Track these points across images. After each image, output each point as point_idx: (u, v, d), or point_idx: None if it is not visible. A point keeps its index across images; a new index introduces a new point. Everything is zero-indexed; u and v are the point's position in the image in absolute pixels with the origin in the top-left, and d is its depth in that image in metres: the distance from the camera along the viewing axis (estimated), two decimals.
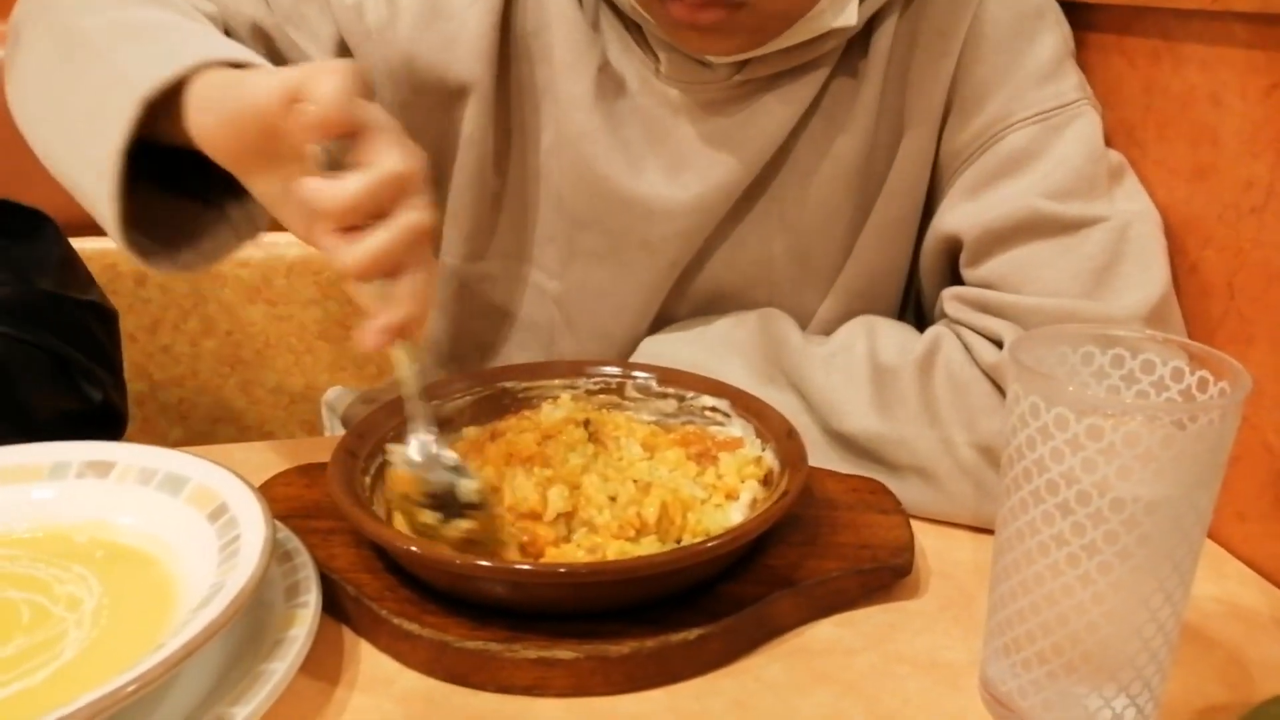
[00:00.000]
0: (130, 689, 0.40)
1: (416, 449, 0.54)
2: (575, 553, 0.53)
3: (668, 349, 0.72)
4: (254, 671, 0.46)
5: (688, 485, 0.58)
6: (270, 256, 1.10)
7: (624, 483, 0.57)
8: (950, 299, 0.68)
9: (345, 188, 0.46)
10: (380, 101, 0.70)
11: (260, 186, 0.51)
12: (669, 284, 0.73)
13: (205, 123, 0.50)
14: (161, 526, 0.54)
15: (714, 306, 0.75)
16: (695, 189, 0.69)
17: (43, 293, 0.74)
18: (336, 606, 0.54)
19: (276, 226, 0.55)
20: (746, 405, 0.64)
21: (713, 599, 0.53)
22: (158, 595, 0.51)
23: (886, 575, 0.57)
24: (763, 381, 0.68)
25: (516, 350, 0.79)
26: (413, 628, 0.51)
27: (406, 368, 0.52)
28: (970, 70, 0.68)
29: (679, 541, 0.56)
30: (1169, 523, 0.43)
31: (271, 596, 0.51)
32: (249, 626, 0.50)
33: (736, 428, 0.64)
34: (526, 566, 0.52)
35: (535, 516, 0.55)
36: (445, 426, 0.65)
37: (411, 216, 0.47)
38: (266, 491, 0.57)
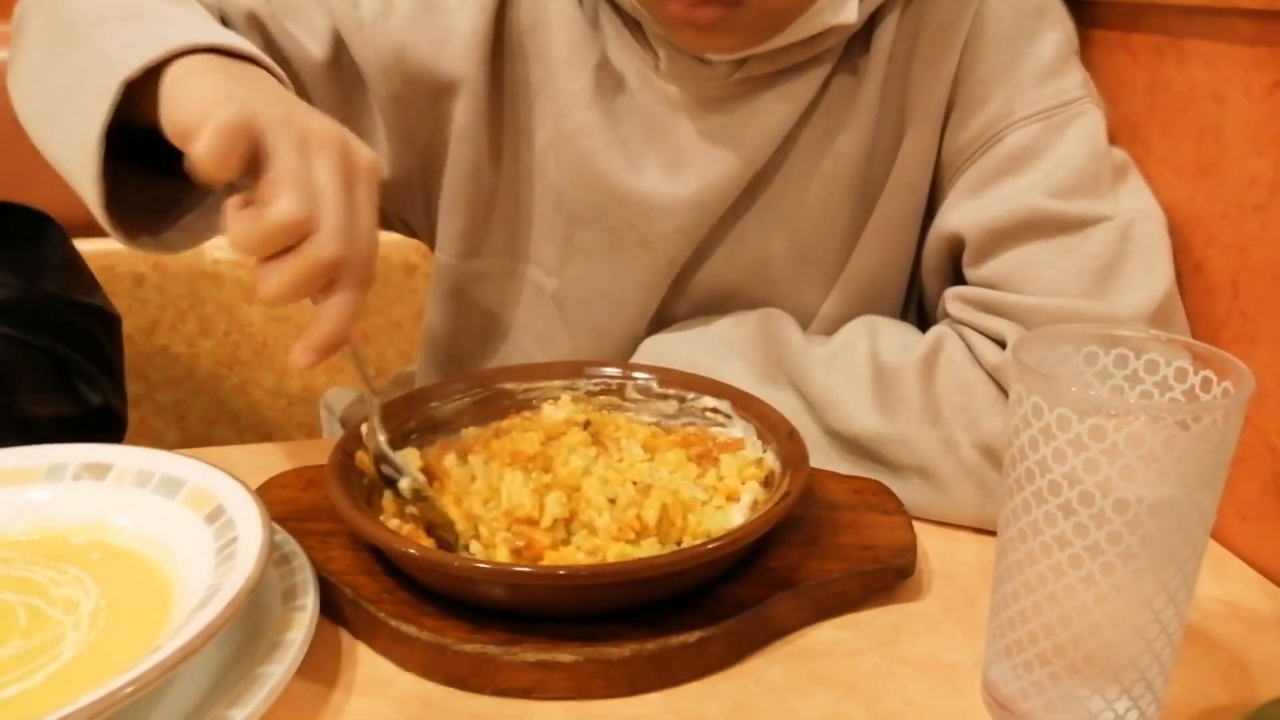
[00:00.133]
0: (128, 691, 0.40)
1: (373, 443, 0.57)
2: (575, 555, 0.53)
3: (668, 349, 0.72)
4: (251, 674, 0.46)
5: (688, 487, 0.58)
6: None
7: (624, 485, 0.56)
8: (953, 299, 0.68)
9: (241, 229, 0.47)
10: (372, 94, 0.70)
11: None
12: (668, 281, 0.73)
13: (165, 112, 0.50)
14: (159, 529, 0.54)
15: (714, 304, 0.74)
16: (694, 186, 0.69)
17: (45, 294, 0.74)
18: (334, 609, 0.54)
19: None
20: (747, 406, 0.64)
21: (713, 601, 0.52)
22: (155, 597, 0.51)
23: (888, 576, 0.56)
24: (763, 382, 0.68)
25: (514, 347, 0.78)
26: (411, 630, 0.50)
27: (358, 369, 0.54)
28: (972, 68, 0.67)
29: (679, 543, 0.55)
30: (1172, 523, 0.42)
31: (269, 599, 0.51)
32: (246, 629, 0.50)
33: (737, 429, 0.64)
34: (526, 569, 0.52)
35: (531, 522, 0.54)
36: (444, 428, 0.65)
37: (316, 252, 0.47)
38: (264, 494, 0.57)
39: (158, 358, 1.09)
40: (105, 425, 0.77)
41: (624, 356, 0.74)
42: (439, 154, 0.73)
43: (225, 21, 0.67)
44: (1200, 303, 0.64)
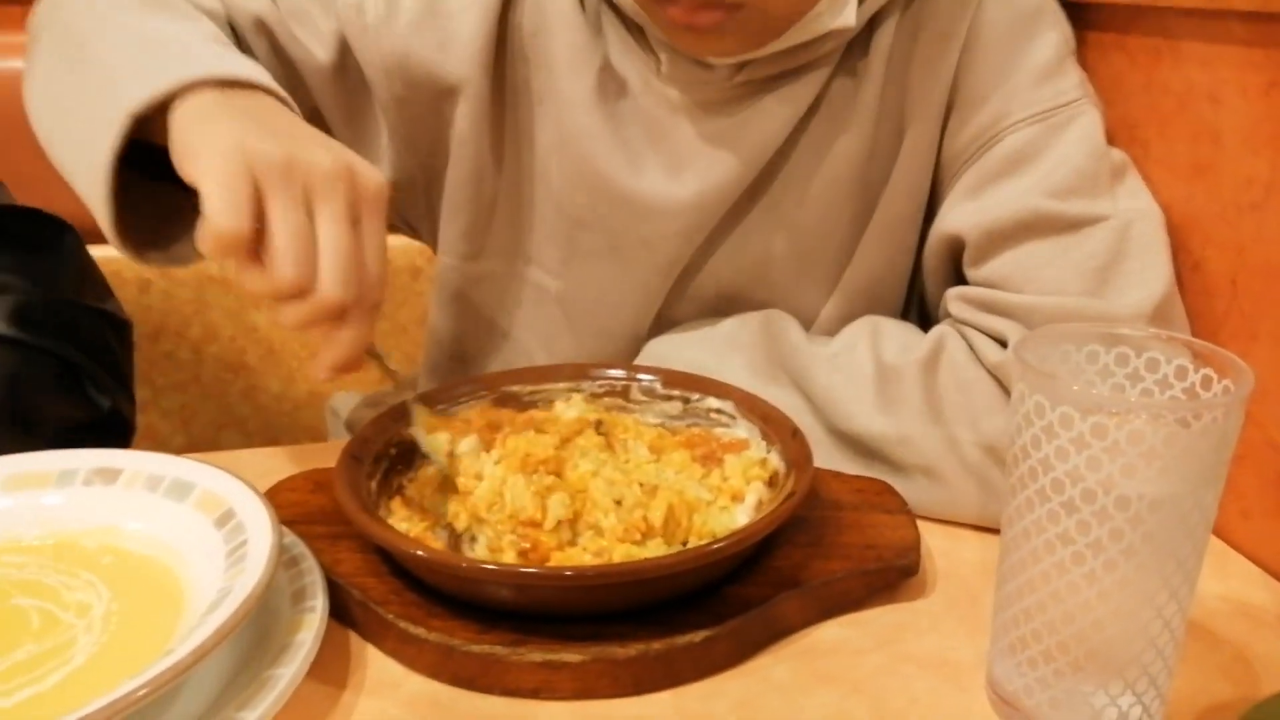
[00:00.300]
0: (141, 693, 0.40)
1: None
2: (581, 556, 0.54)
3: (672, 350, 0.73)
4: (262, 676, 0.47)
5: (693, 487, 0.58)
6: None
7: (630, 486, 0.57)
8: (954, 299, 0.68)
9: (250, 285, 0.50)
10: (376, 96, 0.71)
11: None
12: (669, 283, 0.73)
13: (175, 156, 0.52)
14: (169, 532, 0.54)
15: (715, 306, 0.75)
16: (695, 188, 0.69)
17: (57, 300, 0.75)
18: (343, 611, 0.54)
19: None
20: (751, 407, 0.64)
21: (719, 601, 0.53)
22: (166, 601, 0.51)
23: (892, 575, 0.57)
24: (767, 382, 0.68)
25: (517, 348, 0.79)
26: (419, 631, 0.51)
27: (380, 366, 0.57)
28: (970, 70, 0.68)
29: (685, 544, 0.56)
30: (1174, 520, 0.43)
31: (278, 601, 0.52)
32: (256, 631, 0.50)
33: (742, 429, 0.64)
34: (533, 570, 0.52)
35: (535, 524, 0.55)
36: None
37: (320, 301, 0.49)
38: (272, 497, 0.57)
39: (164, 363, 1.09)
40: (113, 430, 0.78)
41: (627, 357, 0.75)
42: (441, 156, 0.73)
43: (233, 27, 0.68)
44: (1199, 301, 0.64)
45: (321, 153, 0.51)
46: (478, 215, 0.75)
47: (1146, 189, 0.66)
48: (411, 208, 0.78)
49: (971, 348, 0.64)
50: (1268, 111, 0.59)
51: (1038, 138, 0.66)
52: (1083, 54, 0.70)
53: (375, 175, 0.53)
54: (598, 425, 0.63)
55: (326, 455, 0.62)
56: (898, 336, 0.68)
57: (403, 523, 0.56)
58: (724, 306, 0.74)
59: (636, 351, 0.75)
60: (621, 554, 0.53)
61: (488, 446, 0.61)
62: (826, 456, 0.65)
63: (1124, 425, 0.41)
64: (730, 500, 0.58)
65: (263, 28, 0.69)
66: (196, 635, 0.44)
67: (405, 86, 0.70)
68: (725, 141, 0.69)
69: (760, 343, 0.71)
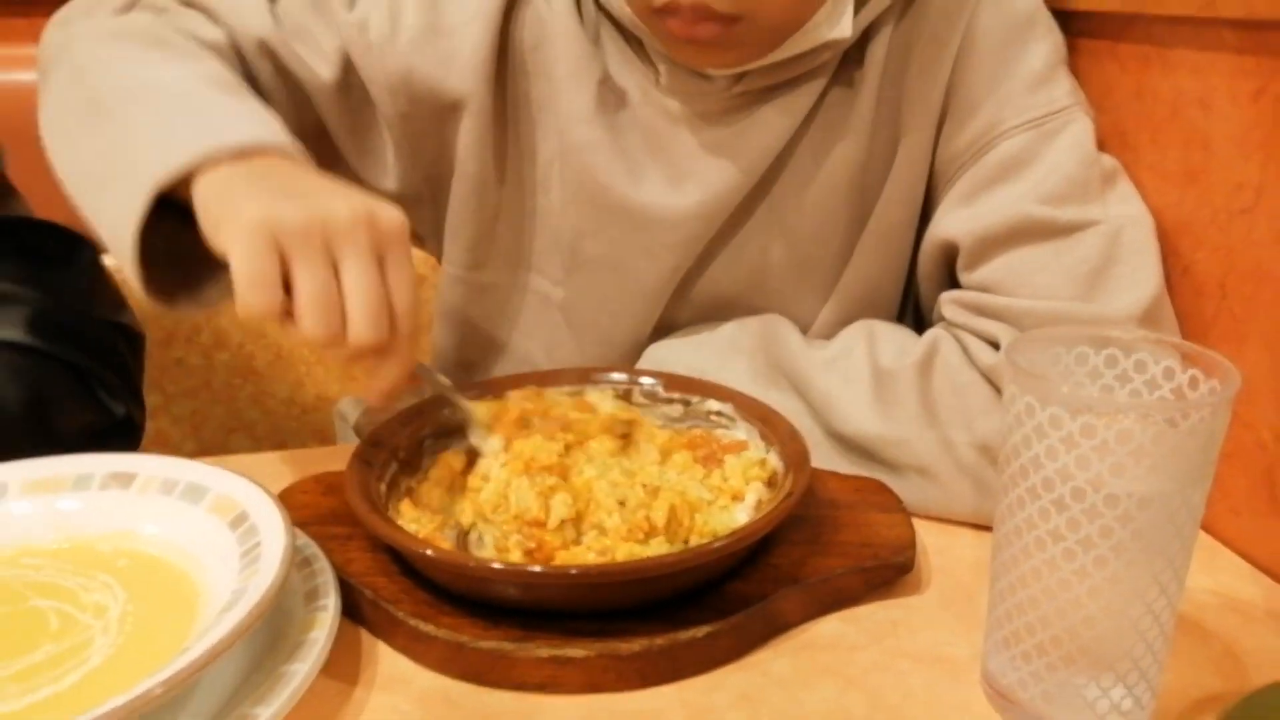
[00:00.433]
0: (158, 692, 0.41)
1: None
2: (585, 555, 0.55)
3: (672, 354, 0.74)
4: (276, 673, 0.48)
5: (695, 487, 0.59)
6: None
7: (633, 487, 0.58)
8: (948, 302, 0.69)
9: (290, 338, 0.56)
10: (380, 112, 0.72)
11: None
12: (670, 290, 0.74)
13: (202, 227, 0.55)
14: (184, 535, 0.55)
15: (715, 312, 0.76)
16: (695, 197, 0.71)
17: (71, 311, 0.76)
18: (354, 609, 0.55)
19: None
20: (750, 409, 0.65)
21: (720, 597, 0.54)
22: (182, 601, 0.52)
23: (889, 572, 0.58)
24: (766, 385, 0.69)
25: (520, 356, 0.80)
26: (429, 629, 0.52)
27: (428, 376, 0.61)
28: (963, 79, 0.69)
29: (687, 542, 0.57)
30: (1162, 517, 0.44)
31: (292, 601, 0.53)
32: (270, 630, 0.51)
33: (741, 431, 0.65)
34: (540, 568, 0.53)
35: (539, 524, 0.56)
36: (456, 435, 0.66)
37: (354, 345, 0.53)
38: (284, 500, 0.58)
39: (174, 369, 1.10)
40: (124, 435, 0.79)
41: (628, 362, 0.76)
42: (446, 169, 0.75)
43: (238, 51, 0.69)
44: (1190, 304, 0.65)
45: (338, 203, 0.53)
46: (481, 226, 0.76)
47: (1137, 194, 0.67)
48: (418, 219, 0.79)
49: (965, 350, 0.65)
50: (1257, 117, 0.59)
51: (1030, 145, 0.67)
52: (1075, 61, 0.71)
53: (393, 213, 0.55)
54: (626, 426, 0.64)
55: (335, 459, 0.64)
56: (893, 340, 0.69)
57: (412, 523, 0.57)
58: (723, 311, 0.75)
59: (637, 357, 0.76)
60: (625, 553, 0.54)
61: (508, 445, 0.62)
62: (824, 457, 0.66)
63: (1112, 425, 0.42)
64: (730, 500, 0.60)
65: (266, 49, 0.70)
66: (213, 634, 0.44)
67: (409, 102, 0.72)
68: (724, 151, 0.70)
69: (759, 347, 0.72)
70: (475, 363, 0.82)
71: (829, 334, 0.73)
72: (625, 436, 0.64)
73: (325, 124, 0.73)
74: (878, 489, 0.63)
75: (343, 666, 0.52)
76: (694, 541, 0.57)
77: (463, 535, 0.58)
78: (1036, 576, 0.46)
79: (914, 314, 0.78)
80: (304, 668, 0.48)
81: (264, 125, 0.59)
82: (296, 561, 0.55)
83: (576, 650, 0.50)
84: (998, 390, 0.63)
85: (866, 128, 0.70)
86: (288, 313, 0.52)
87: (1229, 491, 0.62)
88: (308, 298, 0.51)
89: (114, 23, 0.67)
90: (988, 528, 0.51)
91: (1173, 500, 0.44)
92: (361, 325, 0.52)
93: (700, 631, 0.52)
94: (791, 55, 0.66)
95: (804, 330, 0.74)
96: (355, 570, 0.56)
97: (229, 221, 0.52)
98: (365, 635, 0.55)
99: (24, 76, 0.98)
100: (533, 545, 0.55)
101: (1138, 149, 0.68)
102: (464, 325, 0.81)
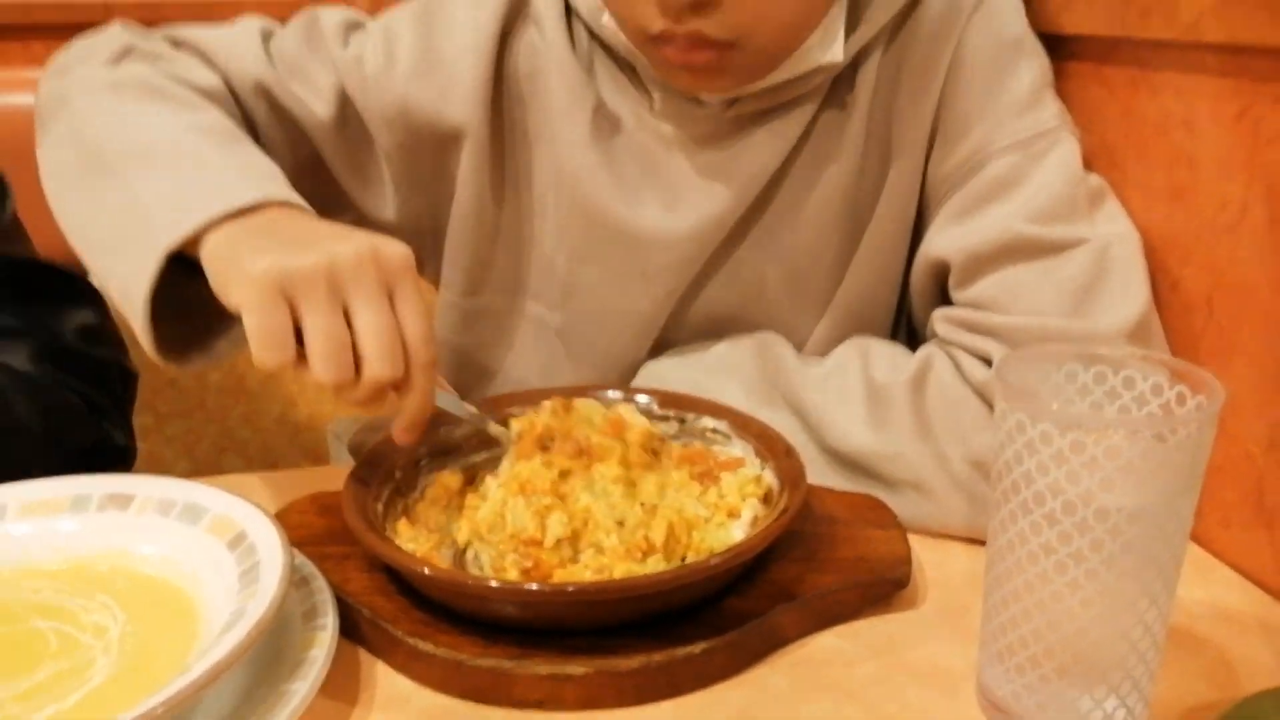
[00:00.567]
0: (161, 710, 0.41)
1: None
2: (583, 573, 0.55)
3: (668, 372, 0.74)
4: (276, 692, 0.48)
5: (691, 505, 0.59)
6: None
7: (631, 507, 0.58)
8: (940, 319, 0.70)
9: (307, 382, 0.55)
10: (378, 145, 0.73)
11: None
12: (666, 311, 0.75)
13: (213, 285, 0.56)
14: (182, 555, 0.56)
15: (710, 331, 0.76)
16: (690, 220, 0.71)
17: (66, 349, 0.76)
18: (353, 629, 0.55)
19: None
20: (746, 426, 0.65)
21: (717, 614, 0.54)
22: (181, 621, 0.52)
23: (885, 587, 0.58)
24: (760, 402, 0.70)
25: (516, 380, 0.80)
26: (427, 647, 0.52)
27: (447, 402, 0.61)
28: (953, 101, 0.70)
29: (683, 559, 0.57)
30: (1152, 530, 0.44)
31: (290, 620, 0.53)
32: (269, 649, 0.51)
33: (737, 448, 0.65)
34: (537, 586, 0.54)
35: (536, 543, 0.56)
36: (452, 454, 0.66)
37: (370, 383, 0.54)
38: (282, 519, 0.58)
39: (167, 390, 1.11)
40: (120, 462, 0.79)
41: (625, 382, 0.76)
42: (444, 198, 0.75)
43: (233, 93, 0.70)
44: (1178, 319, 0.66)
45: (342, 245, 0.54)
46: (478, 253, 0.77)
47: (1124, 213, 0.68)
48: (417, 247, 0.79)
49: (958, 367, 0.66)
50: (1240, 138, 0.60)
51: (1019, 165, 0.68)
52: (1062, 84, 0.72)
53: (398, 247, 0.56)
54: (659, 444, 0.64)
55: (329, 479, 0.64)
56: (887, 356, 0.70)
57: (409, 542, 0.57)
58: (719, 331, 0.76)
59: (633, 378, 0.77)
60: (622, 572, 0.55)
61: (528, 452, 0.62)
62: (819, 473, 0.67)
63: (1101, 441, 0.43)
64: (726, 517, 0.60)
65: (261, 90, 0.70)
66: (214, 654, 0.45)
67: (407, 134, 0.72)
68: (718, 174, 0.71)
69: (754, 365, 0.72)
70: (470, 386, 0.82)
71: (823, 351, 0.74)
72: (655, 453, 0.64)
73: (323, 158, 0.74)
74: (873, 505, 0.64)
75: (341, 686, 0.52)
76: (690, 558, 0.57)
77: (459, 554, 0.59)
78: (1030, 590, 0.46)
79: (907, 330, 0.79)
80: (303, 686, 0.48)
81: (268, 180, 0.60)
82: (294, 581, 0.55)
83: (575, 667, 0.51)
84: (990, 406, 0.64)
85: (858, 149, 0.71)
86: (303, 358, 0.53)
87: (1219, 504, 0.63)
88: (318, 347, 0.53)
89: (111, 74, 0.67)
90: (981, 542, 0.52)
91: (1162, 513, 0.44)
92: (376, 362, 0.54)
93: (697, 648, 0.52)
94: (784, 80, 0.67)
95: (798, 347, 0.75)
96: (353, 589, 0.56)
97: (238, 279, 0.54)
98: (364, 654, 0.55)
99: (22, 99, 0.98)
100: (529, 564, 0.55)
101: (1125, 168, 0.70)
102: (459, 351, 0.81)
